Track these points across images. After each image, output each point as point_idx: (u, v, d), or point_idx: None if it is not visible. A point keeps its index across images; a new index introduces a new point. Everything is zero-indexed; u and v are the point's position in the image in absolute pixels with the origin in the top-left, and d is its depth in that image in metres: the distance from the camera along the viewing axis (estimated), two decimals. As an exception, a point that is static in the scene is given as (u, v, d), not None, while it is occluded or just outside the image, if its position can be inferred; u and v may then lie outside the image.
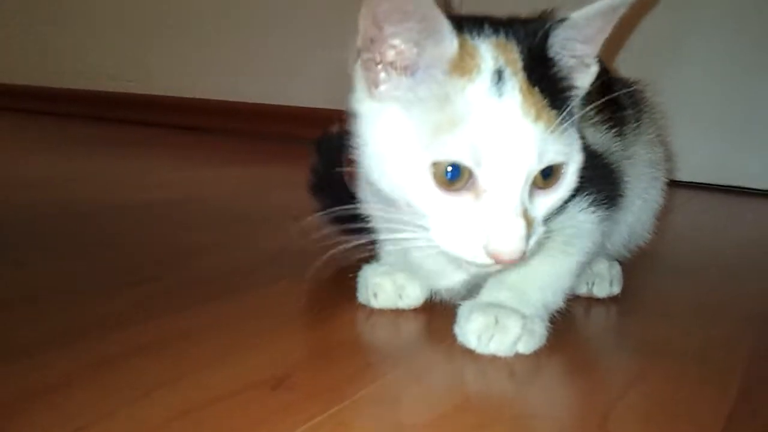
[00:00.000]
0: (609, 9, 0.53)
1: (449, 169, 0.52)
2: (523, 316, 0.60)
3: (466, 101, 0.52)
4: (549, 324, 0.63)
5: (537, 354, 0.61)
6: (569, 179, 0.56)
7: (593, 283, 0.79)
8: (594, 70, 0.58)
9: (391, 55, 0.54)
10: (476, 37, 0.55)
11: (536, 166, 0.52)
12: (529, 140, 0.51)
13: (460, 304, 0.63)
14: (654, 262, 0.93)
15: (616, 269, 0.80)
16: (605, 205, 0.66)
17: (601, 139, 0.70)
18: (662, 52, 1.74)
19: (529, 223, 0.53)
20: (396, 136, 0.55)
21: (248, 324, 0.64)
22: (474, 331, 0.59)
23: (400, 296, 0.70)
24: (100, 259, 0.84)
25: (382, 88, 0.55)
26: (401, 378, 0.56)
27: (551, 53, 0.55)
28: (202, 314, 0.66)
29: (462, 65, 0.53)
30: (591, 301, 0.78)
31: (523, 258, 0.54)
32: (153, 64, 2.65)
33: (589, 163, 0.65)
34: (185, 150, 2.17)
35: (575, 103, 0.56)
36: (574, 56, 0.56)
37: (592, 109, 0.70)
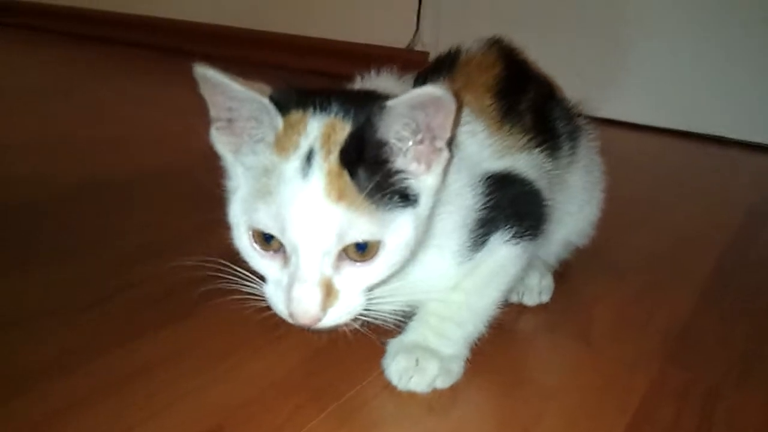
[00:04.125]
0: (418, 105, 0.53)
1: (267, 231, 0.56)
2: (442, 358, 0.66)
3: (278, 177, 0.55)
4: (468, 353, 0.69)
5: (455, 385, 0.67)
6: (388, 255, 0.57)
7: (523, 293, 0.84)
8: (444, 156, 0.58)
9: (231, 122, 0.58)
10: (316, 114, 0.56)
11: (336, 244, 0.55)
12: (326, 220, 0.54)
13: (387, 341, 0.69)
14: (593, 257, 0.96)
15: (547, 281, 0.85)
16: (529, 236, 0.69)
17: (533, 161, 0.72)
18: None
19: (330, 292, 0.56)
20: (238, 192, 0.59)
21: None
22: (396, 371, 0.66)
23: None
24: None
25: (234, 150, 0.59)
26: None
27: (378, 135, 0.55)
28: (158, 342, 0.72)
29: (283, 142, 0.55)
30: (522, 308, 0.84)
31: (321, 322, 0.56)
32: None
33: (512, 192, 0.67)
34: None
35: (410, 183, 0.57)
36: (402, 140, 0.56)
37: (525, 135, 0.71)
